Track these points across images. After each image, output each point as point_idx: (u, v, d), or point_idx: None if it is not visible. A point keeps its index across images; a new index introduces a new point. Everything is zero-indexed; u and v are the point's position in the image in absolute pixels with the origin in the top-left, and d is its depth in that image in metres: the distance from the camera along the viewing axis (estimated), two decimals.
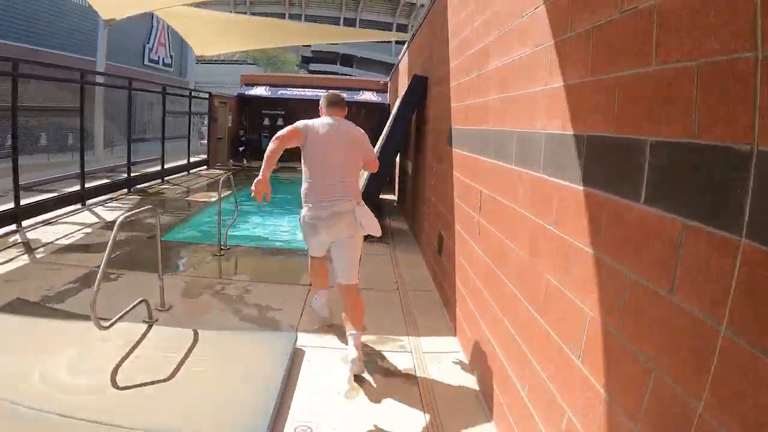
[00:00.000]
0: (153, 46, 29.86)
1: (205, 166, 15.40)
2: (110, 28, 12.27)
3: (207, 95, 15.44)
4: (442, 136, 5.33)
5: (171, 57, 31.24)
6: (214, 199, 9.77)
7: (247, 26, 15.20)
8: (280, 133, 3.68)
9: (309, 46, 51.29)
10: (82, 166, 8.71)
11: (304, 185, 3.78)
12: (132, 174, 11.11)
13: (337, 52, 51.82)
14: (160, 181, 11.97)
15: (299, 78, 20.51)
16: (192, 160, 14.48)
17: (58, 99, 10.39)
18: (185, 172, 13.69)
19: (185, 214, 8.44)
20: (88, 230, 7.20)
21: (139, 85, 11.28)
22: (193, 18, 13.65)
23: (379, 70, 41.61)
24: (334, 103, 3.95)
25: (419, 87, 7.03)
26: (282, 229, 8.55)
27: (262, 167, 3.67)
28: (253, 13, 41.18)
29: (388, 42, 49.59)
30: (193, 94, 14.21)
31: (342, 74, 41.84)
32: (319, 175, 3.69)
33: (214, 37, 15.10)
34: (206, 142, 16.06)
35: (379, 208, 7.57)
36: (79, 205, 8.67)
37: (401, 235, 7.89)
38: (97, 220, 7.83)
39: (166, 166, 12.94)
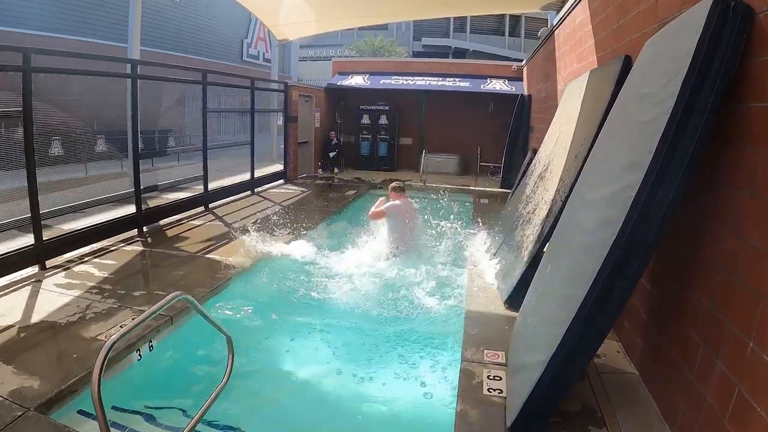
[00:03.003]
0: (252, 41, 28.54)
1: (282, 180, 11.58)
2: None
3: (281, 86, 11.65)
4: None
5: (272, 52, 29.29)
6: (251, 261, 5.73)
7: None
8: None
9: (420, 40, 48.02)
10: (34, 203, 5.00)
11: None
12: (158, 202, 7.43)
13: (449, 45, 48.43)
14: (202, 209, 8.19)
15: (407, 63, 16.25)
16: (261, 173, 10.70)
17: None
18: (248, 192, 9.89)
19: (167, 316, 4.21)
20: None
21: (148, 70, 7.54)
22: None
23: None
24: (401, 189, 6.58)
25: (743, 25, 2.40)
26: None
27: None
28: None
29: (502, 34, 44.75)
30: (257, 84, 10.28)
31: None
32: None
33: (291, 11, 11.20)
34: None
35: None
36: (34, 269, 5.02)
37: (620, 389, 3.33)
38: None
39: (219, 185, 9.20)
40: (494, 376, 3.42)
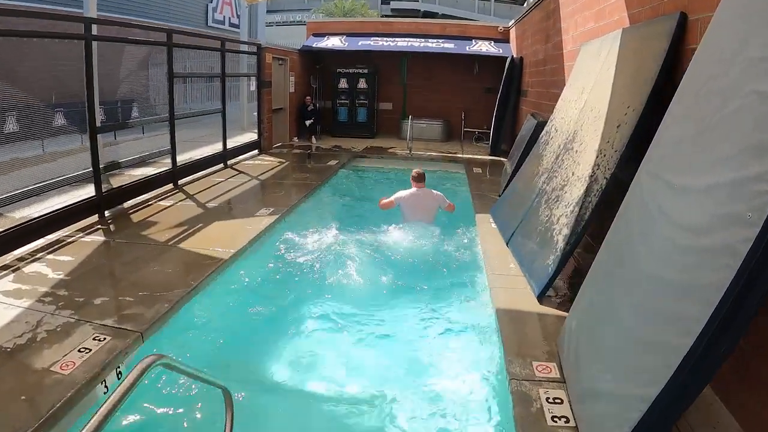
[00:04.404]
0: (217, 5, 27.03)
1: (256, 151, 10.67)
2: None
3: (254, 48, 10.62)
4: None
5: (238, 17, 27.88)
6: (233, 250, 4.94)
7: None
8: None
9: (388, 3, 47.02)
10: None
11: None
12: (121, 182, 6.52)
13: (418, 9, 47.63)
14: (171, 186, 7.30)
15: (387, 24, 15.16)
16: (234, 144, 9.77)
17: None
18: (221, 165, 9.00)
19: (137, 332, 3.43)
20: None
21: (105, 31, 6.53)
22: None
23: None
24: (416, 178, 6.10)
25: None
26: None
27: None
28: None
29: None
30: (228, 46, 9.22)
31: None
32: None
33: None
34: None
35: None
36: None
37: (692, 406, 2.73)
38: None
39: (189, 158, 8.30)
40: (554, 399, 2.79)
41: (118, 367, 3.02)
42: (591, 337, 2.81)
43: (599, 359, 2.64)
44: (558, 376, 3.00)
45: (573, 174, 4.40)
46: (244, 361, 3.52)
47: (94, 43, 5.49)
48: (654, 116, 3.76)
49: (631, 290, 2.61)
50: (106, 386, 2.91)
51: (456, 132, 13.78)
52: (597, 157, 4.08)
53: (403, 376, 3.41)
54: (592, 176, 4.02)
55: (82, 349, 3.02)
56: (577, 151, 4.58)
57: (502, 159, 10.49)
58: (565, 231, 4.00)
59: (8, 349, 3.05)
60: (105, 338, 3.15)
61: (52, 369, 2.85)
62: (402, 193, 6.08)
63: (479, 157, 11.18)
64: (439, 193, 6.19)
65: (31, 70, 7.20)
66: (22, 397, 2.63)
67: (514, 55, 11.90)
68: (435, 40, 13.30)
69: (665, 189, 2.67)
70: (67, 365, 2.87)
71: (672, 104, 3.08)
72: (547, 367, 3.08)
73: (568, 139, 4.93)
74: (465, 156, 11.23)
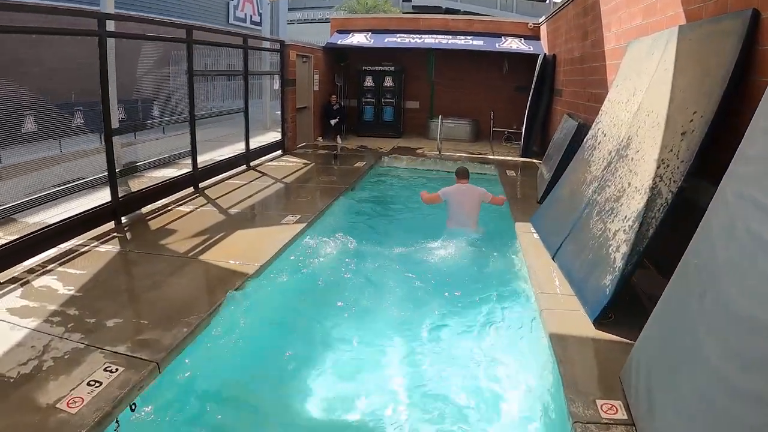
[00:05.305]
0: (238, 3, 26.84)
1: (280, 151, 10.38)
2: None
3: (277, 45, 10.31)
4: None
5: (260, 15, 27.65)
6: (258, 263, 4.59)
7: None
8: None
9: (409, 0, 46.58)
10: None
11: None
12: (139, 185, 6.27)
13: (440, 6, 47.12)
14: (192, 190, 7.02)
15: (413, 20, 14.70)
16: (257, 144, 9.50)
17: None
18: (243, 166, 8.71)
19: (153, 362, 3.17)
20: None
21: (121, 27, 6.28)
22: None
23: None
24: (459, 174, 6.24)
25: None
26: None
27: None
28: None
29: None
30: (250, 43, 8.91)
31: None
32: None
33: None
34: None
35: None
36: None
37: None
38: None
39: (210, 159, 8.04)
40: None
41: (133, 403, 2.71)
42: (670, 379, 2.41)
43: (683, 407, 2.24)
44: (625, 417, 2.61)
45: (629, 185, 3.99)
46: (275, 393, 3.19)
47: (110, 40, 5.20)
48: (725, 124, 3.35)
49: (719, 330, 2.21)
50: (117, 423, 2.61)
51: (485, 132, 13.35)
52: (658, 167, 3.67)
53: (450, 416, 3.04)
54: (653, 188, 3.61)
55: (91, 383, 2.71)
56: (632, 159, 4.16)
57: (534, 161, 10.06)
58: (624, 248, 3.59)
59: (11, 380, 2.75)
60: (117, 369, 2.84)
61: (57, 406, 2.54)
62: (448, 189, 6.09)
63: (511, 158, 10.73)
64: (482, 188, 6.11)
65: (49, 67, 6.97)
66: None
67: (546, 53, 11.42)
68: (463, 37, 12.85)
69: (759, 214, 2.26)
70: (75, 402, 2.57)
71: (757, 114, 2.65)
72: (613, 406, 2.69)
73: (621, 146, 4.50)
74: (496, 157, 10.78)
